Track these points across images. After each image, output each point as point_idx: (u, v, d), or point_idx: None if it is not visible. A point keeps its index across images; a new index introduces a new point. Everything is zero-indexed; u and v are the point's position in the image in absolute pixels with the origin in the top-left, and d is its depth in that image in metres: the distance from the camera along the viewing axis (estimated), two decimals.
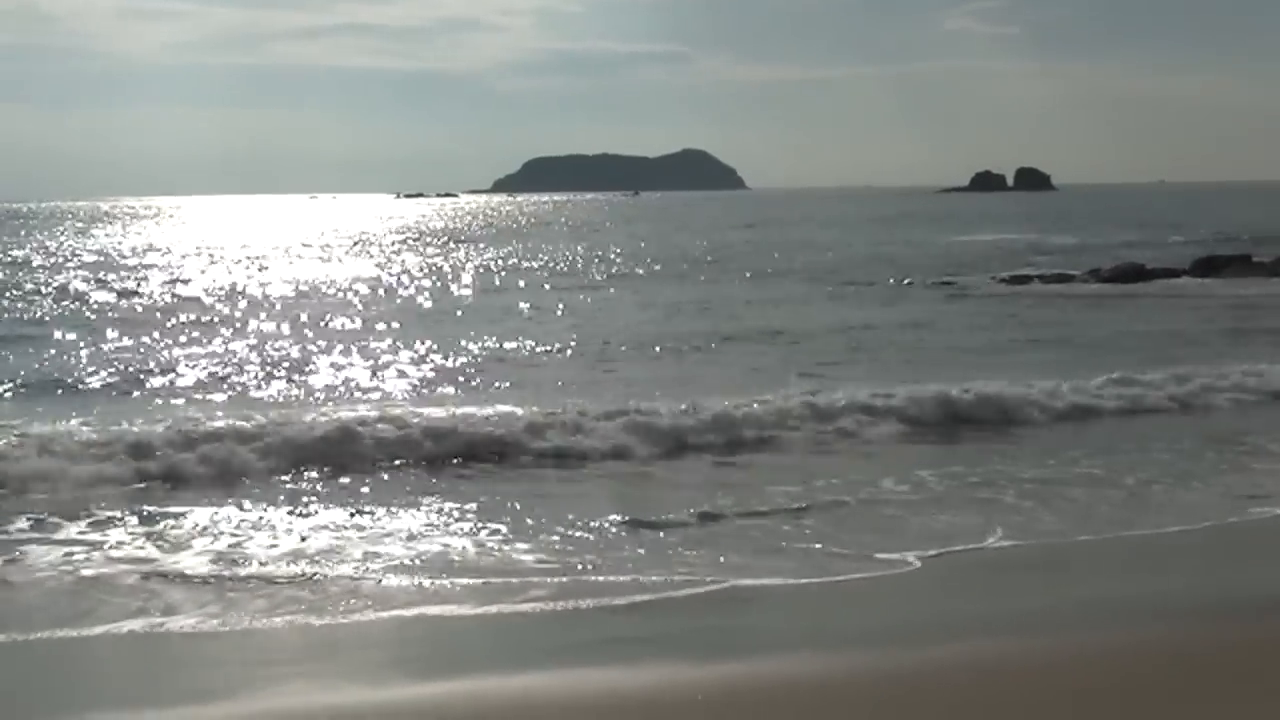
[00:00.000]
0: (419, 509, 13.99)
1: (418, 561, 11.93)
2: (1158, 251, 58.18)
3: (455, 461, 16.47)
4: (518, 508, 13.96)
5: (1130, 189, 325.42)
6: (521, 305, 39.42)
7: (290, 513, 13.89)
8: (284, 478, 15.64)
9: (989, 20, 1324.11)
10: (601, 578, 11.35)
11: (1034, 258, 57.57)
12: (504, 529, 13.04)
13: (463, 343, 29.12)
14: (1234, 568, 12.13)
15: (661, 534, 12.85)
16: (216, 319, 35.93)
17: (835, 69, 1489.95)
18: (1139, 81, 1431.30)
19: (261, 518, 13.65)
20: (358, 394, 22.22)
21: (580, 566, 11.69)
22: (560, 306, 38.94)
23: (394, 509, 13.97)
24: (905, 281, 46.10)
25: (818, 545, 12.42)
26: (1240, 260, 45.89)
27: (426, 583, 11.25)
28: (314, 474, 15.80)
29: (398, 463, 16.31)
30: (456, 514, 13.76)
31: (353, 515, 13.69)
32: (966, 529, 12.96)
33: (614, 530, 13.01)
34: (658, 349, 28.32)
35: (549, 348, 28.34)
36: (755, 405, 18.80)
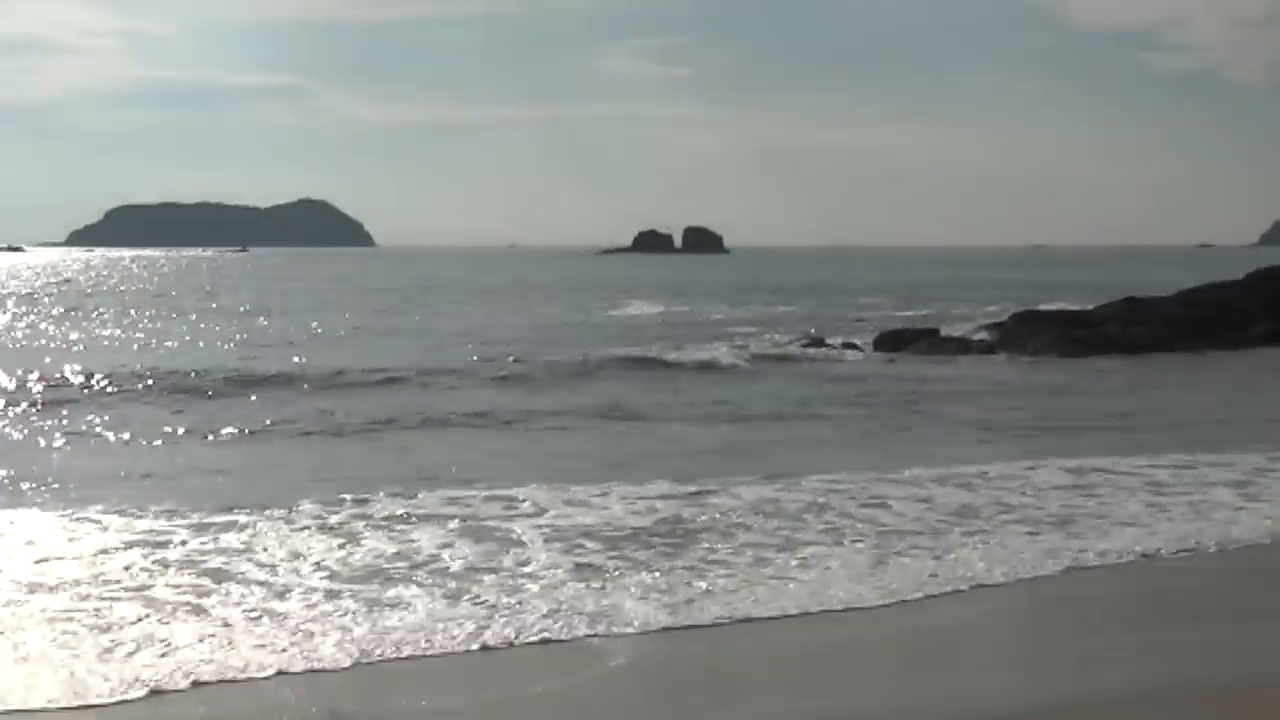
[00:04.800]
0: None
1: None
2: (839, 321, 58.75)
3: None
4: None
5: (801, 252, 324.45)
6: None
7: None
8: None
9: (654, 59, 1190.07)
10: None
11: (729, 329, 55.02)
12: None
13: None
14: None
15: None
16: None
17: (477, 110, 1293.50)
18: (810, 134, 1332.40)
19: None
20: None
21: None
22: None
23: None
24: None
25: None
26: (929, 335, 46.14)
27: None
28: None
29: None
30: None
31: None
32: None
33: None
34: None
35: None
36: None
